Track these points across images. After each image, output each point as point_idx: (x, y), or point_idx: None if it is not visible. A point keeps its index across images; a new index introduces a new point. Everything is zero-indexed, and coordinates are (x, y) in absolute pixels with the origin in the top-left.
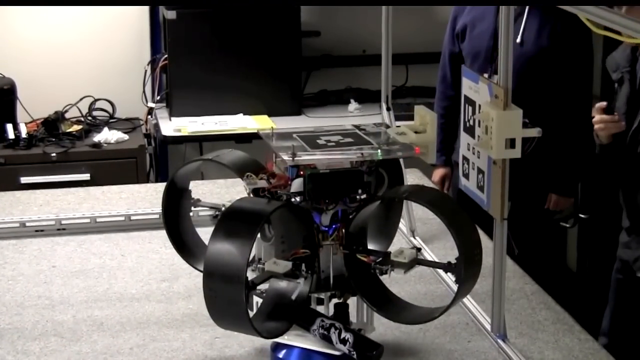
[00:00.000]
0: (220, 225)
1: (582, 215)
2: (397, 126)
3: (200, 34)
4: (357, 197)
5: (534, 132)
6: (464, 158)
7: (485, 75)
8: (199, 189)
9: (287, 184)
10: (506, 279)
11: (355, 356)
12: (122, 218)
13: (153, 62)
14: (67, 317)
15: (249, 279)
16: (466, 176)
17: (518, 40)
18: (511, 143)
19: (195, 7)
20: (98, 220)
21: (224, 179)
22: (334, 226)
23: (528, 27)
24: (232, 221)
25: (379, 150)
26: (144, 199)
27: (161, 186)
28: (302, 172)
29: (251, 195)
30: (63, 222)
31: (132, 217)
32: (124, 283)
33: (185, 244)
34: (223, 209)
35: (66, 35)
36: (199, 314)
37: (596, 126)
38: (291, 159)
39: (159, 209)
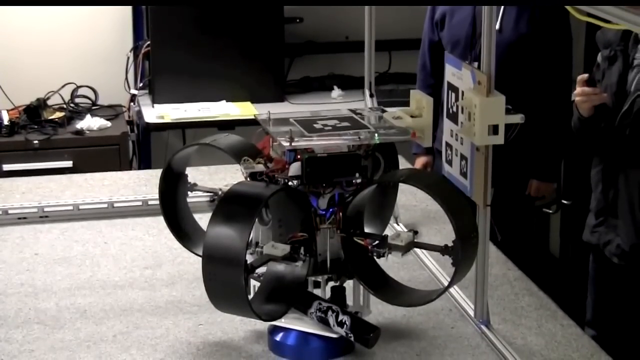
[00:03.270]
0: (219, 209)
1: (565, 201)
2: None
3: (182, 20)
4: (354, 181)
5: (517, 118)
6: (447, 144)
7: (466, 62)
8: None
9: (284, 168)
10: (489, 265)
11: (352, 338)
12: (105, 205)
13: (135, 49)
14: (50, 304)
15: (248, 262)
16: (449, 162)
17: (497, 27)
18: (494, 129)
19: (181, 5)
20: (81, 207)
21: (207, 166)
22: (331, 210)
23: (506, 13)
24: (231, 205)
25: (376, 134)
26: (127, 186)
27: (144, 173)
28: (299, 157)
29: (248, 180)
30: (46, 209)
31: (115, 205)
32: (107, 270)
33: (182, 228)
34: (220, 193)
35: (48, 21)
36: (182, 301)
37: (577, 98)
38: (289, 143)
39: (142, 196)
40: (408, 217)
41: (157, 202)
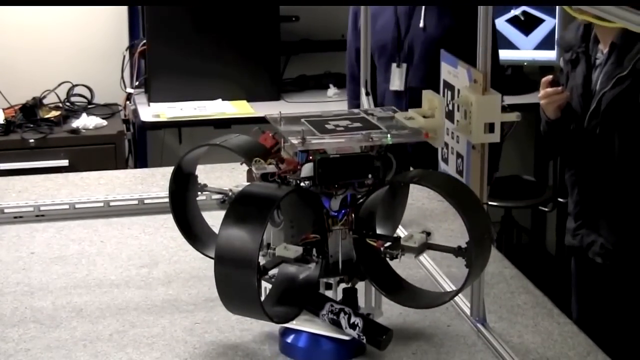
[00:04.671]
0: (231, 210)
1: (561, 200)
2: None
3: (179, 19)
4: (366, 181)
5: (513, 116)
6: (444, 142)
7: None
8: None
9: (296, 169)
10: None
11: (365, 341)
12: (101, 204)
13: (131, 48)
14: (46, 303)
15: (261, 264)
16: (445, 161)
17: (421, 25)
18: (490, 127)
19: (177, 5)
20: (77, 206)
21: (203, 165)
22: (343, 211)
23: (429, 11)
24: (243, 206)
25: (389, 135)
26: (123, 185)
27: (140, 172)
28: (311, 157)
29: (259, 180)
30: (42, 208)
31: (111, 203)
32: (103, 269)
33: (192, 229)
34: (230, 194)
35: (44, 20)
36: (178, 299)
37: (542, 101)
38: (301, 143)
39: (138, 195)
40: (405, 215)
41: (153, 200)
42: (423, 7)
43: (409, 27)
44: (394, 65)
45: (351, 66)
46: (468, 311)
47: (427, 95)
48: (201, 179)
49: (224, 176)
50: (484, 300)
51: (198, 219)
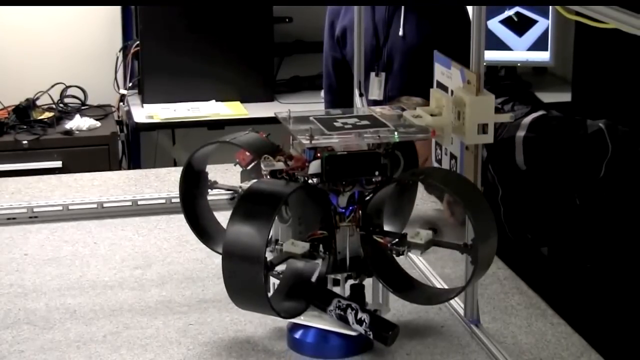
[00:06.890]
0: (239, 207)
1: None
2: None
3: (172, 20)
4: (374, 179)
5: (507, 117)
6: (436, 143)
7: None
8: (171, 175)
9: (304, 166)
10: None
11: (371, 336)
12: (95, 205)
13: (125, 49)
14: (39, 305)
15: (268, 259)
16: (439, 162)
17: (400, 33)
18: (483, 128)
19: (171, 5)
20: (70, 207)
21: None
22: (350, 208)
23: (408, 20)
24: (250, 203)
25: (396, 133)
26: (117, 186)
27: (133, 173)
28: (319, 155)
29: (268, 177)
30: (35, 210)
31: (105, 205)
32: (97, 271)
33: (202, 227)
34: (240, 191)
35: (37, 21)
36: (172, 301)
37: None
38: (309, 141)
39: (131, 196)
40: None
41: (147, 202)
42: (402, 15)
43: (388, 35)
44: (372, 74)
45: (328, 76)
46: (462, 312)
47: (434, 93)
48: None
49: (217, 177)
50: (478, 301)
51: (208, 216)
